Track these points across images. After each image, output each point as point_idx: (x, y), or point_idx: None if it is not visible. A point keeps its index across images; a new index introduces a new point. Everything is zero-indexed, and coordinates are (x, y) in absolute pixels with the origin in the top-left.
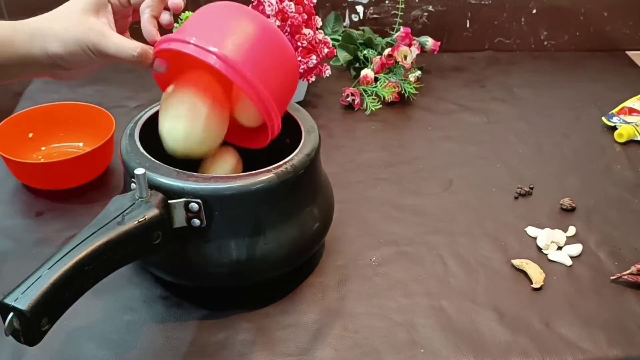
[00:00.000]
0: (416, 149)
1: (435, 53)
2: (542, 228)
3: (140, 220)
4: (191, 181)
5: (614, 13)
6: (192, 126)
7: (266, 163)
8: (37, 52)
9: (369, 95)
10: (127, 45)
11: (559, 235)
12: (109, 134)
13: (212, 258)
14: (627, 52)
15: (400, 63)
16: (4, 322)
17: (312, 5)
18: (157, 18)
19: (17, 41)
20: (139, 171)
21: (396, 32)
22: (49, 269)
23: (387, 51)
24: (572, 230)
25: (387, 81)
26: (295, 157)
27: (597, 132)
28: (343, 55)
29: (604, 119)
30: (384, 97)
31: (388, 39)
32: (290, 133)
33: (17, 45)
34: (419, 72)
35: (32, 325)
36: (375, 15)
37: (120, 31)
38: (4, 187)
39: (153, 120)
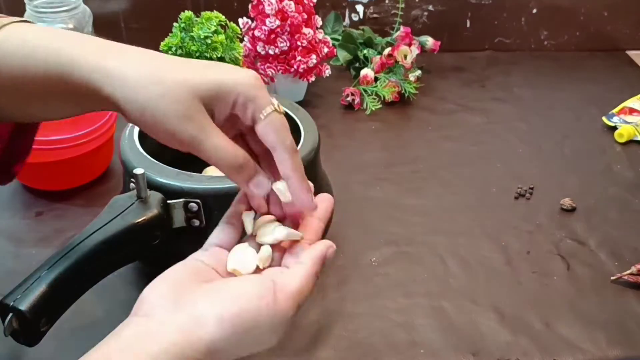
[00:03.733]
0: (416, 149)
1: (435, 53)
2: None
3: (139, 220)
4: (190, 181)
5: (614, 13)
6: None
7: None
8: (108, 93)
9: (369, 95)
10: (231, 150)
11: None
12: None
13: None
14: (627, 52)
15: (400, 63)
16: (4, 322)
17: (312, 4)
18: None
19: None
20: (138, 171)
21: (396, 31)
22: (48, 269)
23: (387, 51)
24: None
25: (387, 81)
26: None
27: (598, 132)
28: (343, 55)
29: (604, 118)
30: (384, 97)
31: (388, 39)
32: (290, 133)
33: (78, 71)
34: (419, 72)
35: (31, 326)
36: (375, 15)
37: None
38: (4, 187)
39: None
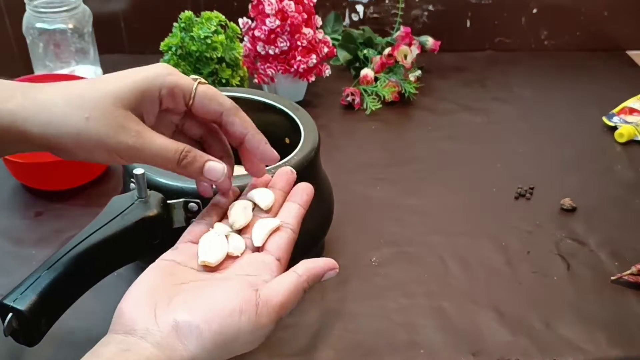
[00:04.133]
0: (416, 149)
1: (435, 52)
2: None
3: (139, 220)
4: (190, 181)
5: (614, 13)
6: None
7: None
8: (35, 131)
9: (369, 95)
10: (171, 145)
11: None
12: None
13: None
14: (627, 52)
15: (400, 62)
16: (3, 322)
17: (312, 4)
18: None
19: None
20: (138, 171)
21: (396, 31)
22: (48, 269)
23: (387, 51)
24: None
25: (387, 81)
26: (295, 157)
27: (598, 132)
28: (343, 55)
29: (604, 118)
30: (384, 97)
31: (388, 39)
32: (290, 133)
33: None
34: (419, 72)
35: (31, 326)
36: (375, 15)
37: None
38: (4, 187)
39: None
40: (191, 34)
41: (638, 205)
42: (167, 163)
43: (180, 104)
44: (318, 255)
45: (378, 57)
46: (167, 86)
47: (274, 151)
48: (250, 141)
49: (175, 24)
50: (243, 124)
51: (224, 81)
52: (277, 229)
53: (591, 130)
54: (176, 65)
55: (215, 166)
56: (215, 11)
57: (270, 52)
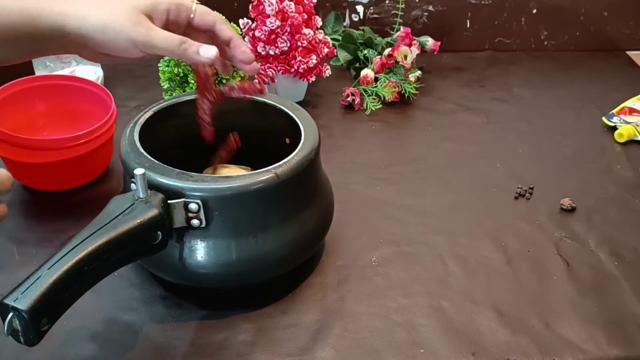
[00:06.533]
0: (416, 149)
1: (435, 53)
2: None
3: (139, 220)
4: (191, 181)
5: (614, 13)
6: None
7: (266, 163)
8: (71, 29)
9: (369, 95)
10: (174, 35)
11: None
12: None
13: (212, 258)
14: (627, 52)
15: (400, 63)
16: (4, 322)
17: (312, 5)
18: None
19: (46, 12)
20: (139, 171)
21: (396, 32)
22: (48, 269)
23: (387, 51)
24: None
25: (387, 81)
26: (295, 157)
27: (597, 132)
28: (343, 55)
29: (604, 119)
30: (384, 97)
31: (388, 39)
32: (290, 133)
33: (45, 17)
34: (419, 72)
35: (31, 326)
36: (375, 15)
37: None
38: None
39: (153, 120)
40: None
41: (637, 205)
42: (170, 47)
43: (181, 18)
44: (318, 255)
45: (378, 57)
46: (175, 4)
47: (250, 53)
48: (234, 42)
49: None
50: (230, 30)
51: (224, 81)
52: None
53: (591, 130)
54: (176, 66)
55: (210, 47)
56: (215, 12)
57: (271, 52)
